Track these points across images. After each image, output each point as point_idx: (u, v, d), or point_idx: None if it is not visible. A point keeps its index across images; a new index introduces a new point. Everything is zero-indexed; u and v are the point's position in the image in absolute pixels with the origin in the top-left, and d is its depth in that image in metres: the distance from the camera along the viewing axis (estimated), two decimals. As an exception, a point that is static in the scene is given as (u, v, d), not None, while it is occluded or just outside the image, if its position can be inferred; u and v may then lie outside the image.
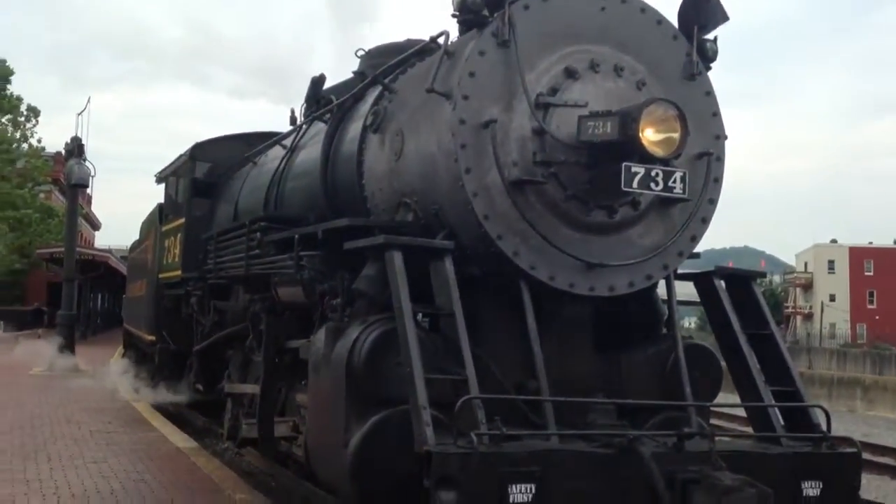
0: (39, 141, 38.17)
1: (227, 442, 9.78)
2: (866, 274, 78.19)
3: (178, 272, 11.09)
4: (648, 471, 4.41)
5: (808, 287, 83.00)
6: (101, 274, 34.63)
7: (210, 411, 12.06)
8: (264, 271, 7.36)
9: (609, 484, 4.48)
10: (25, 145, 36.31)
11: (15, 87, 34.50)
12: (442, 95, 5.17)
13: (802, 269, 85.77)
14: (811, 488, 4.89)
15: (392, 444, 4.76)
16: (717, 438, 4.78)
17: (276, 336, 7.53)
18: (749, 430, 6.42)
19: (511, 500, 4.18)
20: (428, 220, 5.52)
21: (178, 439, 10.05)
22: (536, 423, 4.97)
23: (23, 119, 35.04)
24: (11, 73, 33.77)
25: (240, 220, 9.23)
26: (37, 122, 36.14)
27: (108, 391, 15.00)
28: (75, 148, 18.06)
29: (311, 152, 7.59)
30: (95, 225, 61.67)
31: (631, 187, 4.84)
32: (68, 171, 18.15)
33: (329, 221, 6.54)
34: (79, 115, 17.93)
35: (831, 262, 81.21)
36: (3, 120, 34.46)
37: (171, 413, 12.80)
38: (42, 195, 41.55)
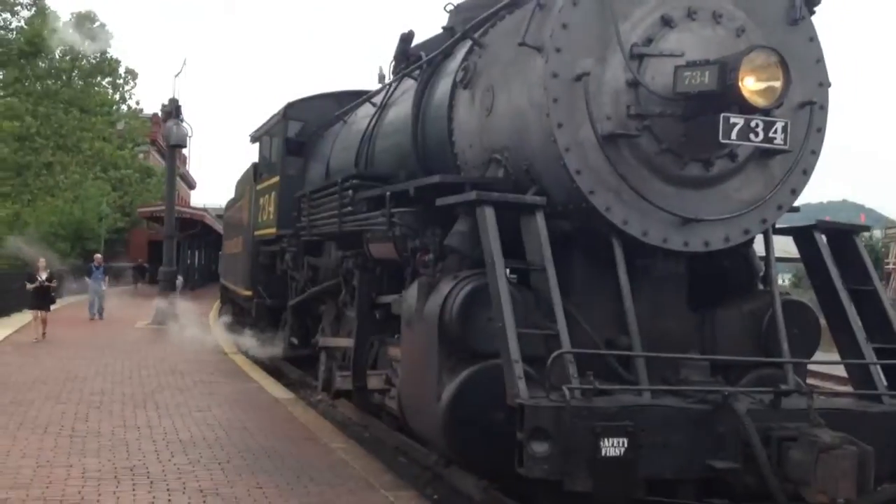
0: (138, 102, 39.74)
1: (322, 393, 10.11)
2: (977, 227, 74.01)
3: (274, 229, 11.42)
4: (744, 427, 4.37)
5: (912, 242, 79.18)
6: (197, 232, 35.86)
7: (304, 364, 12.47)
8: (357, 228, 7.50)
9: (702, 440, 4.46)
10: (124, 107, 37.73)
11: (112, 50, 35.80)
12: (534, 49, 5.13)
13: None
14: (914, 448, 4.75)
15: (484, 398, 4.85)
16: (815, 396, 4.69)
17: (368, 291, 7.70)
18: (847, 388, 6.25)
19: (603, 454, 4.20)
20: (518, 176, 5.52)
21: (276, 390, 10.45)
22: (628, 379, 4.97)
23: (121, 81, 36.35)
24: (111, 36, 34.99)
25: (332, 179, 9.41)
26: (135, 83, 37.46)
27: (208, 343, 15.65)
28: (173, 109, 18.65)
29: (400, 110, 7.65)
30: (191, 184, 63.68)
31: (729, 139, 4.71)
32: (167, 132, 18.79)
33: (419, 178, 6.62)
34: (176, 76, 18.55)
35: (939, 215, 77.13)
36: (104, 83, 35.75)
37: (266, 365, 13.28)
38: (141, 155, 43.12)
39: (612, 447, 4.22)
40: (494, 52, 5.93)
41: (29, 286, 15.27)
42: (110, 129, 35.47)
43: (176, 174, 20.40)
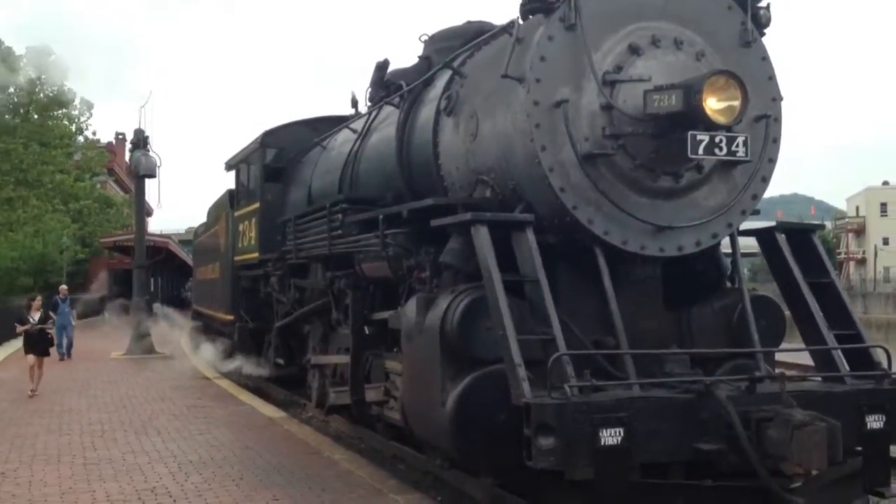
0: (94, 133, 39.41)
1: (314, 410, 10.45)
2: (921, 215, 76.52)
3: (256, 254, 11.74)
4: (725, 412, 4.85)
5: (860, 232, 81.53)
6: (162, 258, 35.76)
7: (287, 384, 12.79)
8: (348, 250, 7.90)
9: (689, 426, 4.93)
10: (81, 138, 37.46)
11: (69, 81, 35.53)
12: (515, 80, 5.60)
13: (854, 214, 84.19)
14: (875, 421, 5.27)
15: (486, 401, 5.28)
16: (786, 380, 5.20)
17: (361, 309, 8.09)
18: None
19: (602, 443, 4.64)
20: (505, 195, 5.99)
21: (268, 410, 10.79)
22: (615, 375, 5.44)
23: (76, 113, 36.13)
24: (68, 69, 34.78)
25: (314, 203, 9.81)
26: (90, 114, 37.21)
27: (189, 370, 15.85)
28: (141, 140, 18.82)
29: (383, 135, 8.08)
30: (148, 212, 63.16)
31: (697, 154, 5.24)
32: (135, 162, 18.94)
33: (407, 201, 7.06)
34: (141, 108, 18.70)
35: (884, 205, 79.53)
36: (59, 114, 35.49)
37: (251, 388, 13.56)
38: (98, 185, 42.81)
39: (610, 437, 4.66)
40: (475, 82, 6.41)
41: (19, 328, 13.60)
42: (69, 161, 35.27)
43: (144, 203, 20.46)
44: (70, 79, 35.42)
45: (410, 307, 6.11)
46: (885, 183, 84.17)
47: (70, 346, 18.87)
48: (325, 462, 7.51)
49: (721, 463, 4.90)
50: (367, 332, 8.13)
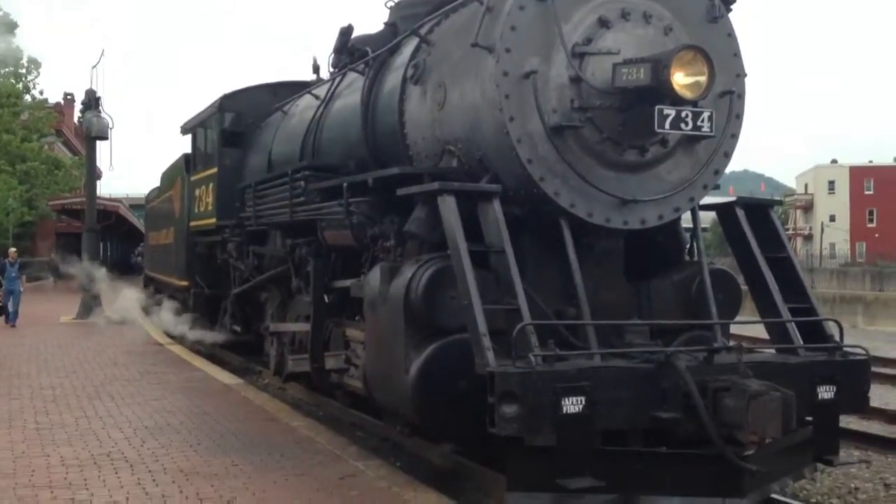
0: (42, 92, 38.27)
1: (273, 377, 10.42)
2: (866, 193, 78.50)
3: (213, 220, 11.59)
4: (684, 381, 4.97)
5: (808, 209, 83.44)
6: (112, 223, 35.08)
7: (242, 350, 12.72)
8: (310, 217, 7.84)
9: (648, 394, 5.05)
10: (28, 97, 36.38)
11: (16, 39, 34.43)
12: (485, 49, 5.58)
13: (803, 191, 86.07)
14: (826, 392, 5.46)
15: (449, 368, 5.33)
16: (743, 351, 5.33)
17: (322, 277, 8.06)
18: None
19: (564, 411, 4.73)
20: (472, 165, 5.98)
21: (224, 377, 10.70)
22: (577, 346, 5.52)
23: (24, 71, 35.03)
24: (16, 25, 33.65)
25: (274, 170, 9.70)
26: (38, 73, 36.16)
27: (141, 335, 15.65)
28: (92, 101, 18.33)
29: (348, 102, 8.00)
30: (98, 175, 61.77)
31: (664, 128, 5.29)
32: (87, 124, 18.44)
33: (371, 169, 7.02)
34: (93, 67, 18.17)
35: (832, 183, 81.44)
36: (4, 71, 34.40)
37: (205, 354, 13.46)
38: (46, 146, 41.70)
39: (572, 405, 4.75)
40: (443, 50, 6.37)
41: None
42: (15, 121, 34.25)
43: (95, 166, 19.98)
44: (17, 36, 34.28)
45: (374, 276, 6.10)
46: (834, 161, 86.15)
47: (16, 314, 17.57)
48: (284, 428, 7.50)
49: (679, 431, 5.03)
50: (327, 300, 8.11)
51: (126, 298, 20.84)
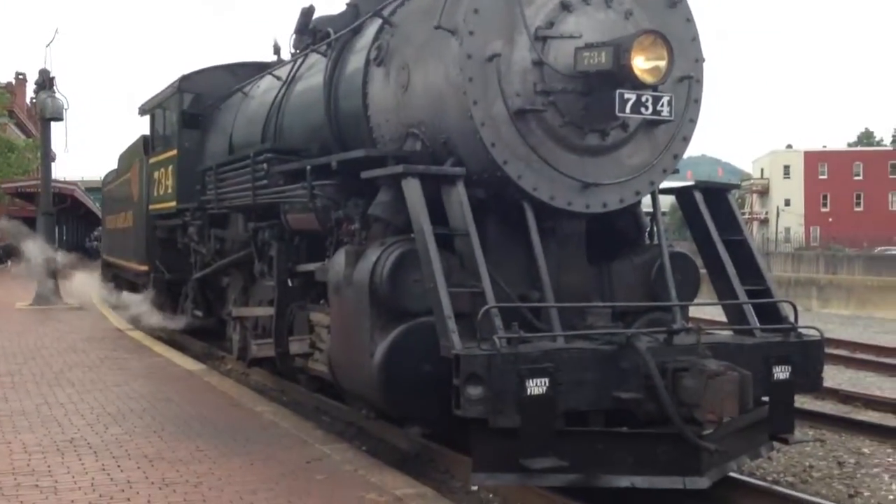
0: (-8, 73, 37.30)
1: (235, 362, 10.37)
2: (820, 178, 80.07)
3: (173, 203, 11.45)
4: (644, 362, 5.06)
5: (764, 193, 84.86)
6: (67, 206, 34.43)
7: (204, 336, 12.63)
8: (273, 200, 7.79)
9: (610, 376, 5.13)
10: (-22, 78, 35.49)
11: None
12: (448, 31, 5.59)
13: (759, 176, 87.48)
14: (781, 372, 5.60)
15: (414, 352, 5.37)
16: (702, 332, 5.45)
17: (286, 261, 8.02)
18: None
19: (528, 392, 4.80)
20: (435, 148, 6.00)
21: (186, 362, 10.60)
22: (540, 328, 5.59)
23: (-27, 51, 34.16)
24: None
25: (236, 152, 9.61)
26: (-12, 53, 35.23)
27: (99, 321, 15.44)
28: (46, 81, 17.93)
29: (310, 83, 7.95)
30: (53, 157, 60.52)
31: (625, 112, 5.36)
32: (41, 105, 18.02)
33: (334, 152, 6.99)
34: (47, 46, 17.76)
35: (787, 168, 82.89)
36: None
37: (166, 340, 13.32)
38: (-2, 128, 40.73)
39: (536, 387, 4.82)
40: (406, 32, 6.35)
41: None
42: (-35, 103, 33.41)
43: (50, 148, 19.55)
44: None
45: (339, 259, 6.10)
46: (789, 146, 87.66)
47: None
48: (249, 413, 7.47)
49: (639, 411, 5.12)
50: (291, 284, 8.08)
51: (84, 283, 20.54)
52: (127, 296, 16.22)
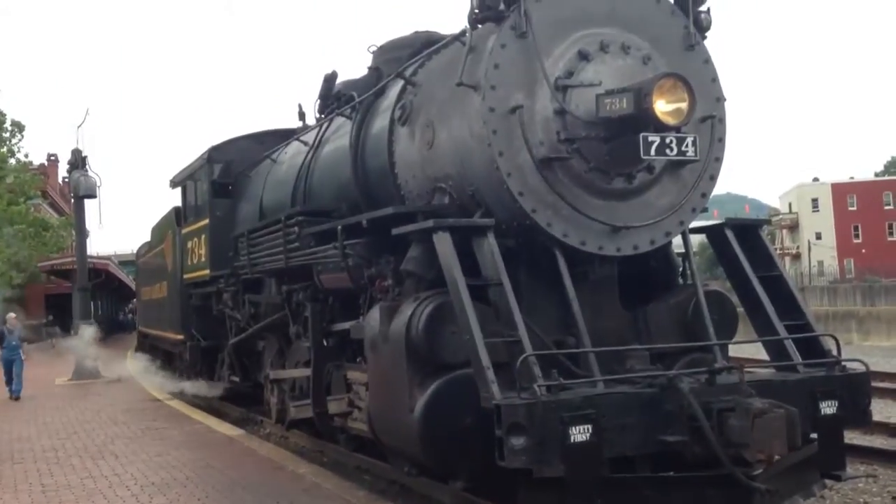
0: (27, 155, 38.27)
1: (274, 425, 10.36)
2: (850, 209, 79.16)
3: (206, 271, 11.60)
4: (688, 403, 5.00)
5: (793, 228, 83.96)
6: (102, 281, 34.99)
7: (241, 401, 12.66)
8: (305, 262, 7.88)
9: (654, 418, 5.07)
10: (13, 160, 36.37)
11: (-1, 103, 34.57)
12: (470, 87, 5.70)
13: (787, 210, 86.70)
14: (828, 407, 5.49)
15: (454, 405, 5.34)
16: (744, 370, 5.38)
17: (321, 321, 8.07)
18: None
19: (572, 440, 4.75)
20: (463, 201, 6.06)
21: (225, 428, 10.65)
22: (579, 374, 5.55)
23: (7, 135, 35.09)
24: (-2, 91, 33.81)
25: (266, 217, 9.76)
26: (22, 136, 36.20)
27: (138, 393, 15.55)
28: (79, 160, 18.42)
29: (336, 146, 8.10)
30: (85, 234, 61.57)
31: (650, 155, 5.40)
32: (75, 184, 18.51)
33: (363, 211, 7.09)
34: (78, 127, 18.29)
35: (815, 201, 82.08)
36: (-12, 137, 34.48)
37: (204, 407, 13.38)
38: (32, 209, 41.63)
39: (580, 433, 4.77)
40: (429, 91, 6.48)
41: None
42: (1, 186, 34.24)
43: (84, 225, 19.98)
44: (-1, 100, 34.44)
45: (374, 316, 6.13)
46: (816, 179, 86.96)
47: (19, 385, 15.15)
48: (290, 476, 7.47)
49: (686, 454, 5.04)
50: (326, 344, 8.11)
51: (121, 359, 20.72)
52: (159, 367, 16.32)
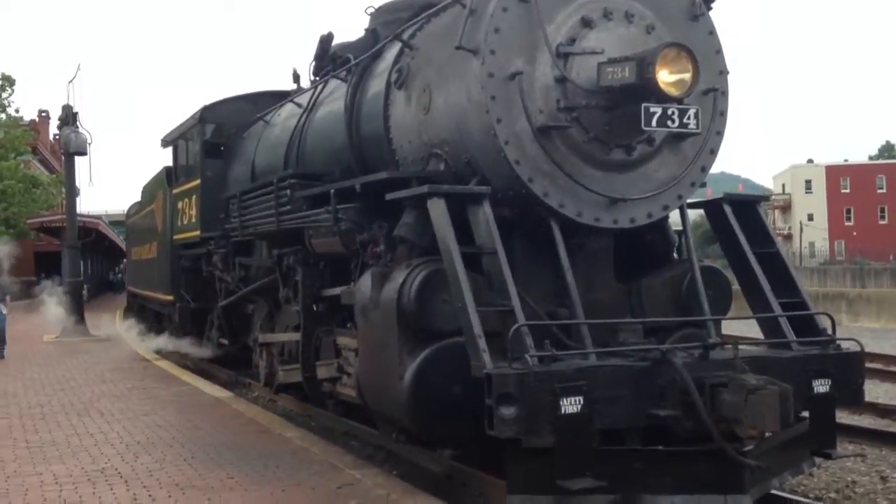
0: (17, 111, 37.83)
1: (263, 389, 10.33)
2: (843, 192, 79.34)
3: (197, 232, 11.50)
4: (681, 378, 4.96)
5: (786, 208, 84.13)
6: (92, 240, 34.78)
7: (229, 364, 12.62)
8: (297, 226, 7.79)
9: (645, 392, 5.04)
10: (3, 115, 35.96)
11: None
12: (469, 51, 5.57)
13: (780, 192, 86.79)
14: (821, 385, 5.47)
15: (444, 373, 5.29)
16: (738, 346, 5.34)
17: (311, 285, 8.00)
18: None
19: (563, 411, 4.71)
20: (459, 168, 5.97)
21: (213, 390, 10.61)
22: (571, 346, 5.50)
23: (-3, 90, 34.63)
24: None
25: (258, 179, 9.65)
26: (12, 91, 35.73)
27: (126, 352, 15.50)
28: (70, 116, 18.17)
29: (331, 109, 7.97)
30: (77, 191, 61.16)
31: (651, 126, 5.29)
32: (65, 140, 18.25)
33: (356, 175, 6.99)
34: (69, 83, 18.02)
35: (808, 182, 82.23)
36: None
37: (193, 368, 13.35)
38: (22, 165, 41.25)
39: (570, 405, 4.72)
40: (426, 54, 6.35)
41: None
42: (-11, 140, 33.90)
43: (74, 182, 19.77)
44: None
45: (365, 282, 6.06)
46: (810, 161, 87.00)
47: (3, 343, 14.69)
48: (278, 440, 7.43)
49: (677, 428, 5.02)
50: (316, 308, 8.05)
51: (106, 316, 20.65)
52: (148, 327, 16.26)
